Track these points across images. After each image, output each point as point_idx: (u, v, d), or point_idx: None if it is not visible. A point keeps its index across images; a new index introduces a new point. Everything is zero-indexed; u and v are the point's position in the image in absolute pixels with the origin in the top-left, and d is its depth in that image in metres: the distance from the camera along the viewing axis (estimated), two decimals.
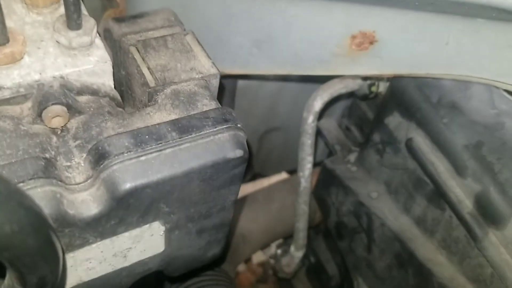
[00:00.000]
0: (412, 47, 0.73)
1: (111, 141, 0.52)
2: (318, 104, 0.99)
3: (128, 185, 0.51)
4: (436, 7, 0.61)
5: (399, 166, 0.89)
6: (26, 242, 0.32)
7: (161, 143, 0.53)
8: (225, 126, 0.56)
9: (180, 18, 0.71)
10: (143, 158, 0.52)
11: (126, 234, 0.57)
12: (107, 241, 0.56)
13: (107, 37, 0.68)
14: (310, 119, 1.00)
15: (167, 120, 0.56)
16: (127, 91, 0.68)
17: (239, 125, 0.57)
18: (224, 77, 0.93)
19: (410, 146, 0.82)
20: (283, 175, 1.49)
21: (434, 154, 0.79)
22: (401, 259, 0.90)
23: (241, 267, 1.56)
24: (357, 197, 0.98)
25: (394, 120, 0.87)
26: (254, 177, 1.48)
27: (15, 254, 0.31)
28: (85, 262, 0.57)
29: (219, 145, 0.56)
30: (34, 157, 0.49)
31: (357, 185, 0.99)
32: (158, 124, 0.55)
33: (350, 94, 1.06)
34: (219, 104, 0.60)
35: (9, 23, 0.59)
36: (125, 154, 0.51)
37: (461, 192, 0.76)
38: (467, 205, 0.75)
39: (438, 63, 0.73)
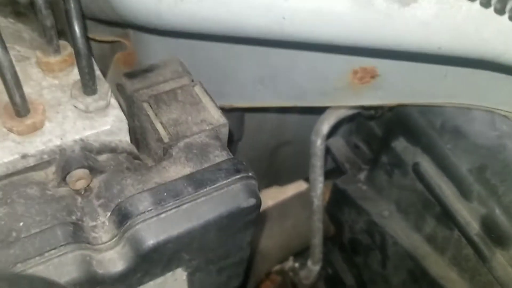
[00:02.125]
0: (412, 80, 0.75)
1: (133, 202, 0.55)
2: (325, 127, 1.02)
3: (151, 242, 0.54)
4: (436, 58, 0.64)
5: (408, 187, 0.91)
6: None
7: (178, 199, 0.56)
8: (237, 177, 0.59)
9: (188, 58, 0.74)
10: (163, 215, 0.55)
11: (151, 282, 0.61)
12: None
13: (120, 90, 0.71)
14: (318, 142, 1.03)
15: (182, 173, 0.60)
16: (142, 141, 0.71)
17: (250, 174, 0.60)
18: (232, 109, 0.97)
19: (417, 171, 0.84)
20: (301, 184, 1.49)
21: (440, 178, 0.81)
22: (414, 275, 0.93)
23: None
24: (370, 217, 1.01)
25: (400, 145, 0.90)
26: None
27: None
28: None
29: (233, 196, 0.59)
30: (62, 223, 0.53)
31: (368, 204, 1.02)
32: (174, 180, 0.58)
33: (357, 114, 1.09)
34: (230, 154, 0.63)
35: (27, 89, 0.63)
36: (146, 213, 0.54)
37: (467, 215, 0.78)
38: (474, 227, 0.77)
39: (438, 93, 0.75)
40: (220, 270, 0.70)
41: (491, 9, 0.57)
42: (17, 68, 0.65)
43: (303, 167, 1.35)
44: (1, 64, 0.52)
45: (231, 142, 1.24)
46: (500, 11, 0.57)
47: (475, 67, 0.68)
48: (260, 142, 1.39)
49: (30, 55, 0.67)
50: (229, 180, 0.59)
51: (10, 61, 0.52)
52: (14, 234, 0.52)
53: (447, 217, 0.83)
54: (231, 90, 0.88)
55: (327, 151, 1.19)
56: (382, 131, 1.05)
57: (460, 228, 0.79)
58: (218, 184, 0.58)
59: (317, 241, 1.23)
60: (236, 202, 0.59)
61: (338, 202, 1.12)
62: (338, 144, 1.21)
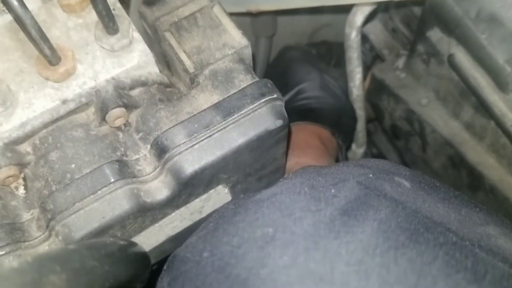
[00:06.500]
0: None
1: (168, 136, 0.59)
2: (359, 19, 0.98)
3: (189, 171, 0.59)
4: None
5: (445, 76, 0.89)
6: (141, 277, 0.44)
7: (208, 129, 0.59)
8: (262, 101, 0.61)
9: None
10: (196, 146, 0.59)
11: (197, 200, 0.67)
12: (182, 209, 0.66)
13: (143, 18, 0.72)
14: (353, 34, 1.00)
15: (211, 101, 0.62)
16: (172, 65, 0.73)
17: (275, 95, 0.62)
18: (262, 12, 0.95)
19: (452, 63, 0.81)
20: None
21: (475, 70, 0.78)
22: (453, 161, 0.95)
23: None
24: (408, 105, 1.00)
25: (435, 35, 0.85)
26: None
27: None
28: (169, 225, 0.69)
29: (260, 119, 0.61)
30: (109, 162, 0.58)
31: (406, 93, 1.01)
32: (203, 110, 0.61)
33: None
34: (255, 76, 0.64)
35: (55, 32, 0.65)
36: (182, 145, 0.58)
37: (504, 106, 0.76)
38: (510, 118, 0.76)
39: None
40: (259, 179, 0.75)
41: None
42: (43, 11, 0.67)
43: None
44: (24, 22, 0.54)
45: (267, 37, 1.23)
46: None
47: None
48: (297, 30, 1.37)
49: None
50: (255, 104, 0.61)
51: (32, 18, 0.54)
52: (68, 175, 0.59)
53: (483, 107, 0.82)
54: None
55: (365, 38, 1.16)
56: (420, 14, 1.00)
57: (496, 120, 0.78)
58: (244, 110, 0.60)
59: (359, 126, 1.26)
60: (263, 125, 0.61)
61: (377, 91, 1.12)
62: (376, 29, 1.16)
